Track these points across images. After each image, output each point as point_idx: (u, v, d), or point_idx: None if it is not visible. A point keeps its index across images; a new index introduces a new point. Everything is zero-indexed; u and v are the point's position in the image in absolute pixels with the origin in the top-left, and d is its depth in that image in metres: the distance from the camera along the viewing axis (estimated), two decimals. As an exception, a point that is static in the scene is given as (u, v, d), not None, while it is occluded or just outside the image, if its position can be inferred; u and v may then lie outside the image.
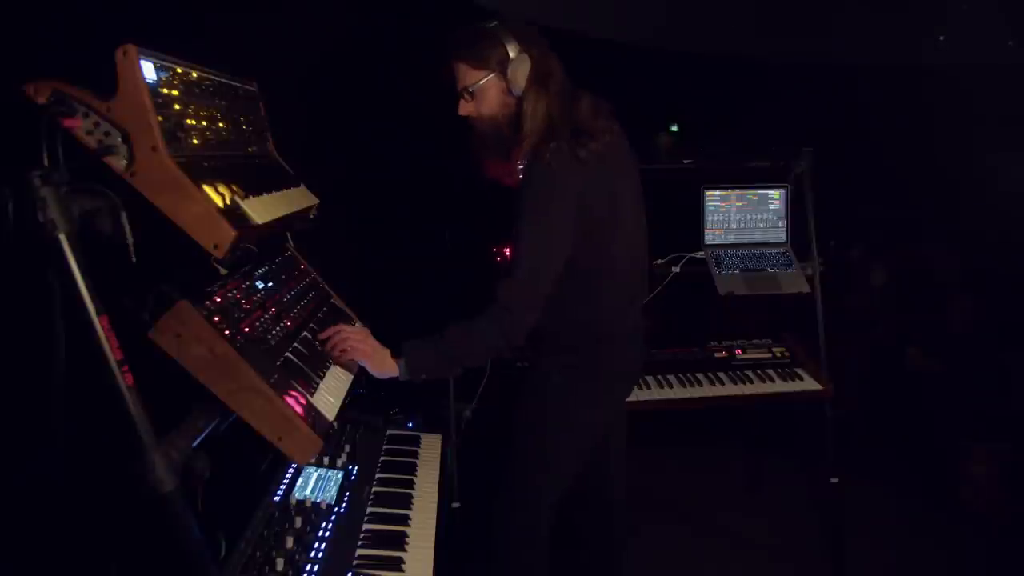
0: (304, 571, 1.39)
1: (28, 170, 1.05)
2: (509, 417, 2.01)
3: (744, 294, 2.84)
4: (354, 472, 1.78)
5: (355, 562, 1.47)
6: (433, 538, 1.61)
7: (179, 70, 1.46)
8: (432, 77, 1.97)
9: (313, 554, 1.44)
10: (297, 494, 1.62)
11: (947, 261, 4.01)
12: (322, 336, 1.74)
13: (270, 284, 1.71)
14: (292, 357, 1.56)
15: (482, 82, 1.78)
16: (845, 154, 3.63)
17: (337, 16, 2.93)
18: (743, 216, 3.03)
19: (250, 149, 1.79)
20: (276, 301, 1.67)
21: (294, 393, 1.44)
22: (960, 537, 3.10)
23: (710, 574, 2.95)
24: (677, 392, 2.72)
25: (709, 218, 3.02)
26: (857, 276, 4.09)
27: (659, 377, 2.77)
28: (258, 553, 1.39)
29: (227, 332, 1.35)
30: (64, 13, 1.71)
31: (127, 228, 1.20)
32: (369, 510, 1.66)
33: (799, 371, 2.84)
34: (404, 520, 1.65)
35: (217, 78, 1.65)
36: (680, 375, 2.80)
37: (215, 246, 1.33)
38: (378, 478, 1.81)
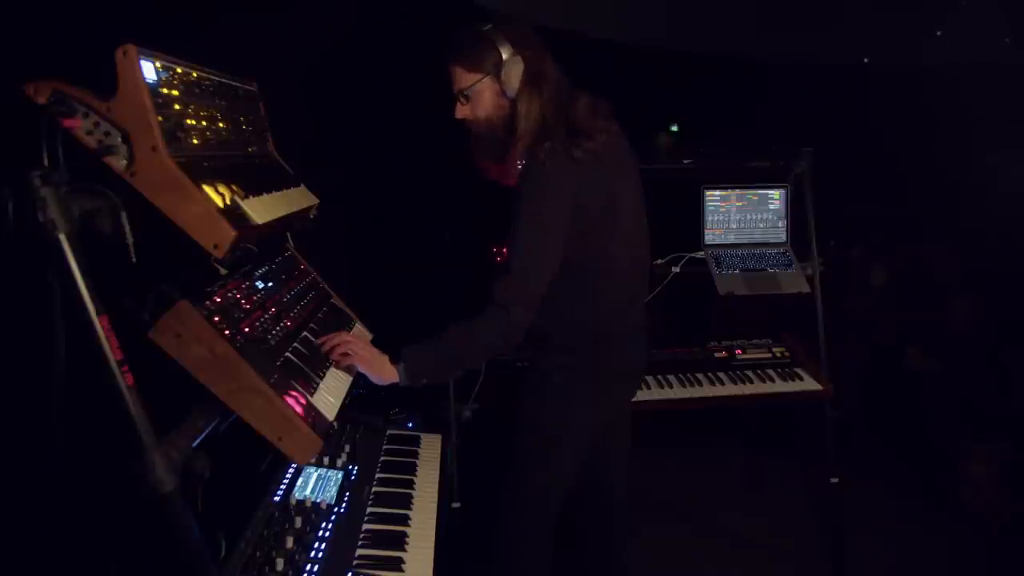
0: (304, 571, 1.39)
1: (28, 170, 1.05)
2: (509, 417, 2.01)
3: (744, 294, 2.84)
4: (354, 472, 1.78)
5: (355, 562, 1.47)
6: (433, 538, 1.61)
7: (179, 70, 1.46)
8: (432, 77, 1.97)
9: (313, 554, 1.44)
10: (297, 494, 1.62)
11: (947, 261, 4.01)
12: (320, 343, 1.73)
13: (270, 284, 1.71)
14: (292, 357, 1.56)
15: (477, 85, 1.79)
16: (845, 154, 3.63)
17: (337, 16, 2.93)
18: (743, 216, 3.03)
19: (250, 149, 1.79)
20: (276, 301, 1.67)
21: (294, 393, 1.44)
22: (960, 537, 3.10)
23: (710, 574, 2.95)
24: (677, 392, 2.72)
25: (709, 218, 3.01)
26: (857, 276, 4.09)
27: (659, 377, 2.77)
28: (258, 553, 1.39)
29: (227, 332, 1.35)
30: (64, 13, 1.71)
31: (127, 228, 1.20)
32: (369, 510, 1.66)
33: (799, 371, 2.84)
34: (404, 520, 1.65)
35: (217, 78, 1.65)
36: (680, 375, 2.80)
37: (215, 246, 1.33)
38: (378, 478, 1.81)
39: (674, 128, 3.98)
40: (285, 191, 1.78)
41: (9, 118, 1.22)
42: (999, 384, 3.48)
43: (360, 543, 1.53)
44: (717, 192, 3.01)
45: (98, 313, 1.08)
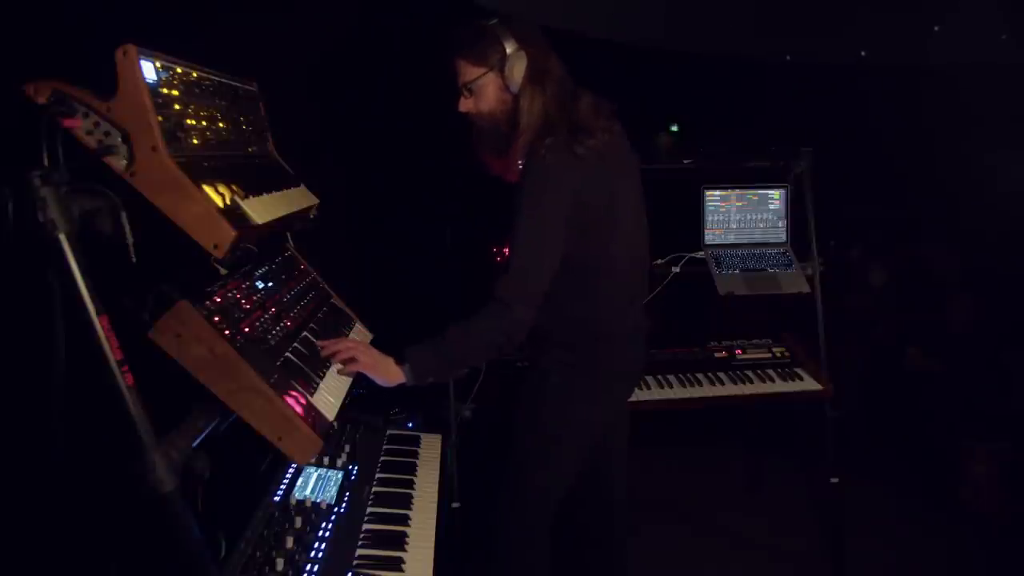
0: (304, 571, 1.39)
1: (28, 170, 1.05)
2: (509, 417, 2.01)
3: (744, 294, 2.84)
4: (354, 472, 1.78)
5: (355, 562, 1.47)
6: (433, 538, 1.61)
7: (179, 70, 1.46)
8: (432, 77, 1.97)
9: (313, 554, 1.44)
10: (297, 494, 1.62)
11: (947, 261, 4.01)
12: (321, 347, 1.73)
13: (270, 284, 1.71)
14: (292, 357, 1.56)
15: (480, 79, 1.80)
16: (845, 154, 3.62)
17: (337, 16, 2.93)
18: (743, 216, 3.03)
19: (250, 149, 1.79)
20: (276, 301, 1.67)
21: (294, 393, 1.44)
22: (960, 537, 3.10)
23: (710, 574, 2.95)
24: (677, 392, 2.72)
25: (709, 218, 3.02)
26: (857, 276, 4.09)
27: (659, 377, 2.77)
28: (258, 553, 1.39)
29: (227, 332, 1.35)
30: (64, 13, 1.71)
31: (127, 228, 1.20)
32: (369, 510, 1.66)
33: (799, 371, 2.84)
34: (404, 520, 1.65)
35: (217, 78, 1.65)
36: (680, 375, 2.80)
37: (215, 246, 1.33)
38: (378, 478, 1.81)
39: (674, 128, 3.98)
40: (285, 191, 1.78)
41: (9, 118, 1.22)
42: (999, 384, 3.48)
43: (360, 543, 1.53)
44: (717, 192, 3.01)
45: (98, 313, 1.08)
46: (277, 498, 1.59)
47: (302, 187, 1.93)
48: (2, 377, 1.38)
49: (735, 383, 2.77)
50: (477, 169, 1.95)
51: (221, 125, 1.61)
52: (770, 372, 2.83)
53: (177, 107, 1.41)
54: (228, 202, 1.40)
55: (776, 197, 3.04)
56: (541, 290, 1.76)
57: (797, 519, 3.27)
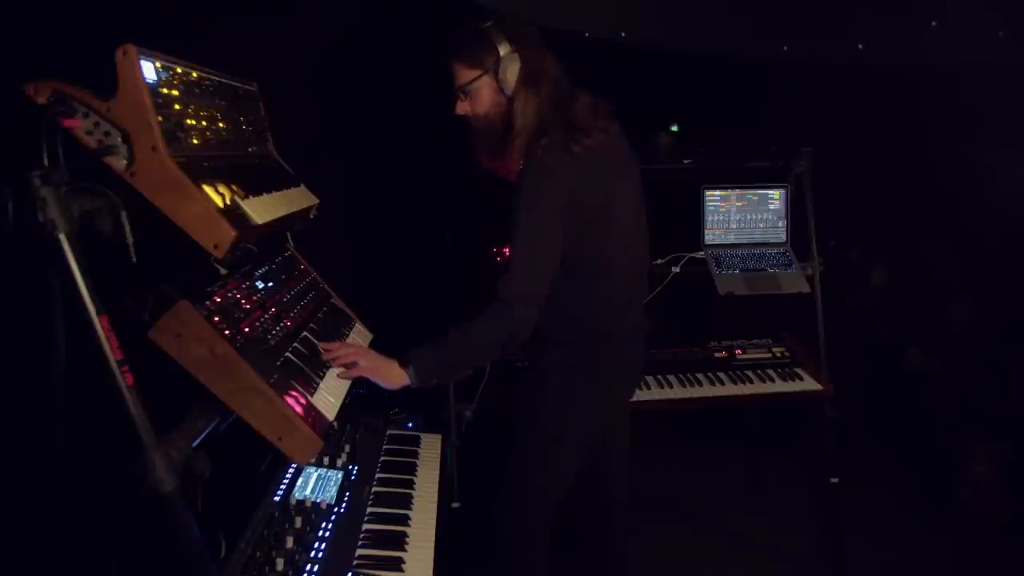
0: (304, 571, 1.39)
1: (28, 170, 1.05)
2: (509, 417, 2.01)
3: (744, 294, 2.84)
4: (354, 472, 1.78)
5: (355, 562, 1.47)
6: (433, 538, 1.61)
7: (179, 70, 1.46)
8: (432, 77, 1.97)
9: (313, 554, 1.44)
10: (297, 494, 1.62)
11: (947, 261, 4.01)
12: (324, 349, 1.72)
13: (270, 284, 1.71)
14: (292, 357, 1.56)
15: (475, 82, 1.81)
16: (845, 154, 3.62)
17: (337, 16, 2.93)
18: (743, 216, 3.03)
19: (250, 149, 1.79)
20: (276, 301, 1.67)
21: (294, 393, 1.44)
22: (960, 537, 3.10)
23: (710, 574, 2.95)
24: (677, 392, 2.72)
25: (709, 218, 3.02)
26: (857, 276, 4.09)
27: (659, 377, 2.77)
28: (258, 553, 1.39)
29: (227, 332, 1.36)
30: (64, 13, 1.71)
31: (127, 228, 1.20)
32: (369, 510, 1.66)
33: (799, 371, 2.84)
34: (404, 520, 1.65)
35: (217, 78, 1.65)
36: (680, 375, 2.80)
37: (215, 246, 1.33)
38: (378, 478, 1.81)
39: (674, 128, 3.97)
40: (285, 191, 1.78)
41: (9, 118, 1.22)
42: (999, 384, 3.48)
43: (360, 543, 1.53)
44: (717, 192, 3.01)
45: (98, 313, 1.08)
46: (277, 498, 1.59)
47: (302, 187, 1.93)
48: (2, 377, 1.38)
49: (735, 383, 2.77)
50: (477, 170, 1.95)
51: (221, 125, 1.61)
52: (770, 372, 2.83)
53: (177, 107, 1.41)
54: (228, 202, 1.40)
55: (776, 197, 3.04)
56: (542, 289, 1.77)
57: (797, 519, 3.27)
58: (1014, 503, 3.15)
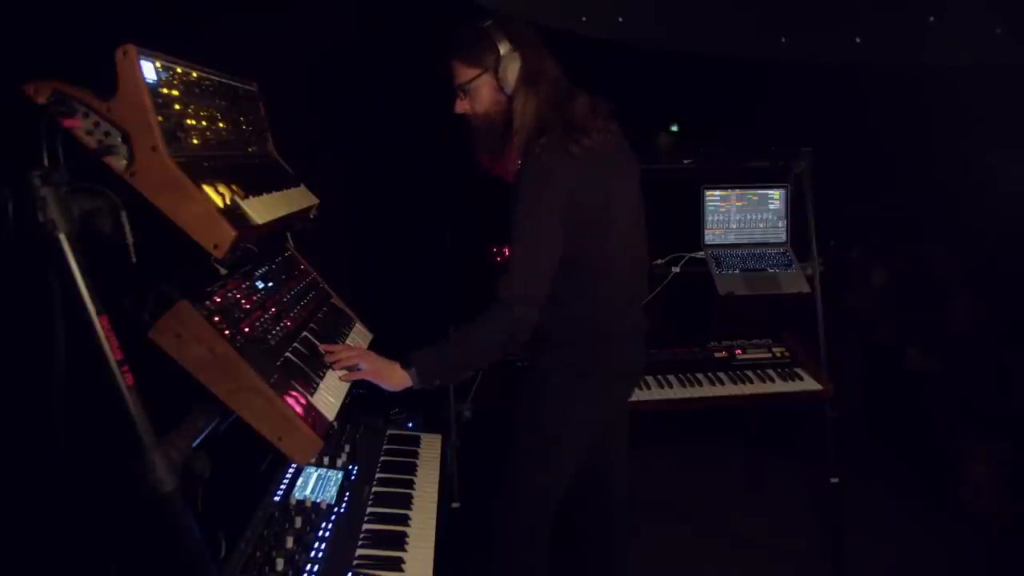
0: (304, 571, 1.39)
1: (28, 170, 1.05)
2: (509, 417, 2.01)
3: (744, 294, 2.84)
4: (354, 472, 1.78)
5: (355, 562, 1.47)
6: (433, 538, 1.61)
7: (179, 70, 1.46)
8: (432, 77, 1.97)
9: (313, 554, 1.44)
10: (297, 494, 1.62)
11: (947, 261, 4.01)
12: (326, 351, 1.72)
13: (270, 284, 1.71)
14: (292, 357, 1.56)
15: (475, 81, 1.82)
16: (845, 154, 3.62)
17: (337, 16, 2.93)
18: (743, 216, 3.03)
19: (250, 149, 1.79)
20: (276, 301, 1.67)
21: (294, 393, 1.44)
22: (960, 537, 3.10)
23: (710, 574, 2.95)
24: (677, 392, 2.72)
25: (709, 218, 3.02)
26: (857, 276, 4.09)
27: (659, 377, 2.77)
28: (258, 553, 1.39)
29: (227, 332, 1.35)
30: (64, 13, 1.71)
31: (127, 228, 1.20)
32: (369, 510, 1.66)
33: (799, 371, 2.84)
34: (404, 520, 1.65)
35: (217, 78, 1.65)
36: (680, 375, 2.80)
37: (215, 246, 1.33)
38: (378, 478, 1.81)
39: (674, 128, 3.97)
40: (285, 191, 1.78)
41: (9, 118, 1.22)
42: (999, 384, 3.48)
43: (360, 543, 1.53)
44: (717, 192, 3.01)
45: (98, 313, 1.08)
46: (277, 498, 1.59)
47: (302, 187, 1.93)
48: (2, 377, 1.38)
49: (735, 383, 2.77)
50: (476, 169, 1.95)
51: (221, 125, 1.61)
52: (770, 372, 2.83)
53: (177, 107, 1.41)
54: (228, 202, 1.40)
55: (776, 197, 3.04)
56: (542, 289, 1.77)
57: (797, 519, 3.27)
58: (1014, 503, 3.15)
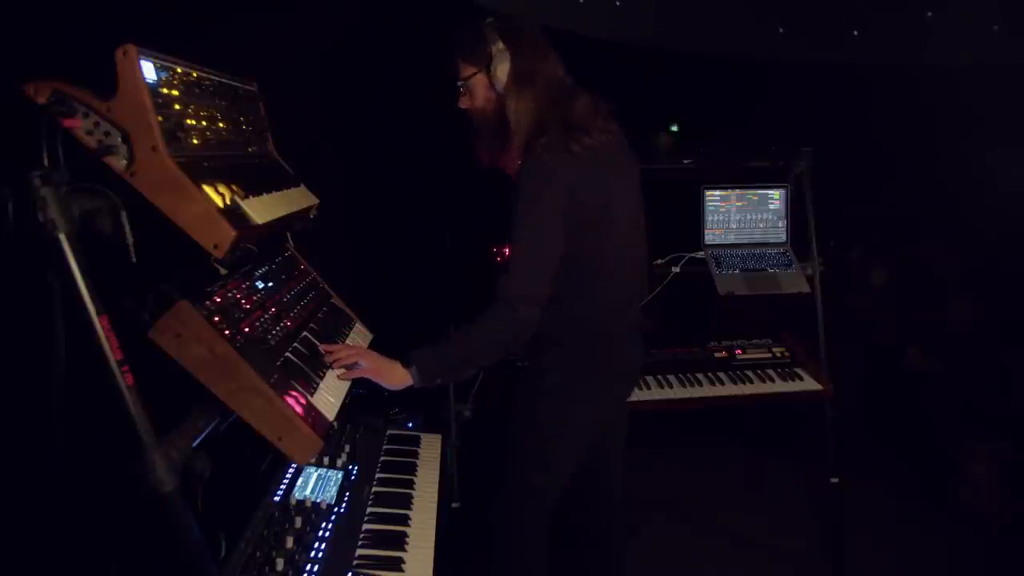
0: (304, 571, 1.39)
1: (28, 170, 1.05)
2: (509, 417, 2.01)
3: (744, 294, 2.84)
4: (354, 472, 1.78)
5: (355, 562, 1.47)
6: (433, 538, 1.61)
7: (179, 70, 1.46)
8: (432, 77, 1.97)
9: (313, 554, 1.44)
10: (297, 494, 1.62)
11: (947, 261, 4.01)
12: (326, 351, 1.72)
13: (270, 284, 1.70)
14: (292, 357, 1.56)
15: (471, 78, 1.84)
16: (845, 154, 3.63)
17: (337, 16, 2.93)
18: (743, 216, 3.03)
19: (250, 149, 1.79)
20: (276, 301, 1.67)
21: (294, 393, 1.44)
22: (960, 537, 3.10)
23: (710, 574, 2.95)
24: (677, 392, 2.72)
25: (709, 218, 3.01)
26: (857, 276, 4.09)
27: (659, 377, 2.77)
28: (258, 553, 1.39)
29: (227, 332, 1.35)
30: (64, 13, 1.71)
31: (127, 228, 1.20)
32: (369, 510, 1.66)
33: (799, 371, 2.84)
34: (404, 520, 1.65)
35: (217, 78, 1.65)
36: (680, 375, 2.80)
37: (215, 246, 1.33)
38: (378, 478, 1.81)
39: (674, 128, 3.98)
40: (285, 191, 1.77)
41: (9, 118, 1.22)
42: (999, 384, 3.48)
43: (360, 543, 1.53)
44: (717, 192, 3.01)
45: (98, 313, 1.08)
46: (277, 498, 1.59)
47: (302, 187, 1.93)
48: (2, 377, 1.38)
49: (735, 383, 2.77)
50: (477, 168, 1.95)
51: (221, 125, 1.61)
52: (770, 372, 2.83)
53: (177, 107, 1.41)
54: (228, 202, 1.40)
55: (776, 197, 3.04)
56: (543, 289, 1.76)
57: (797, 519, 3.27)
58: (1014, 503, 3.15)
